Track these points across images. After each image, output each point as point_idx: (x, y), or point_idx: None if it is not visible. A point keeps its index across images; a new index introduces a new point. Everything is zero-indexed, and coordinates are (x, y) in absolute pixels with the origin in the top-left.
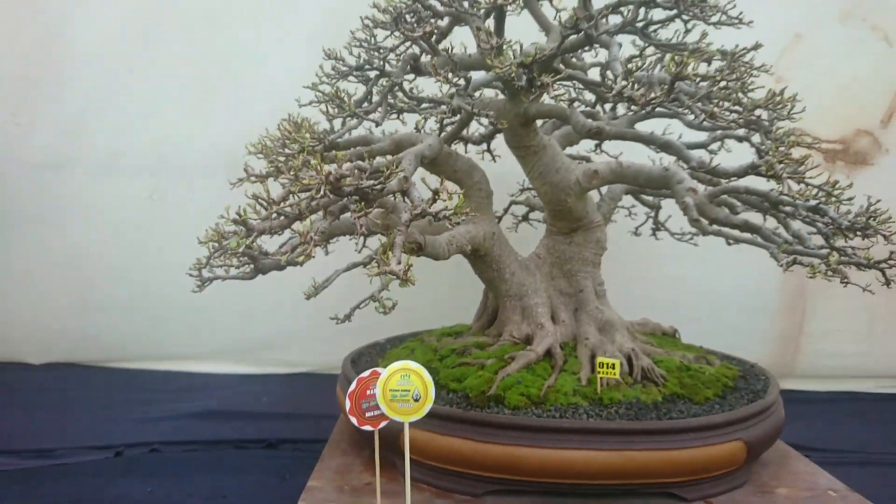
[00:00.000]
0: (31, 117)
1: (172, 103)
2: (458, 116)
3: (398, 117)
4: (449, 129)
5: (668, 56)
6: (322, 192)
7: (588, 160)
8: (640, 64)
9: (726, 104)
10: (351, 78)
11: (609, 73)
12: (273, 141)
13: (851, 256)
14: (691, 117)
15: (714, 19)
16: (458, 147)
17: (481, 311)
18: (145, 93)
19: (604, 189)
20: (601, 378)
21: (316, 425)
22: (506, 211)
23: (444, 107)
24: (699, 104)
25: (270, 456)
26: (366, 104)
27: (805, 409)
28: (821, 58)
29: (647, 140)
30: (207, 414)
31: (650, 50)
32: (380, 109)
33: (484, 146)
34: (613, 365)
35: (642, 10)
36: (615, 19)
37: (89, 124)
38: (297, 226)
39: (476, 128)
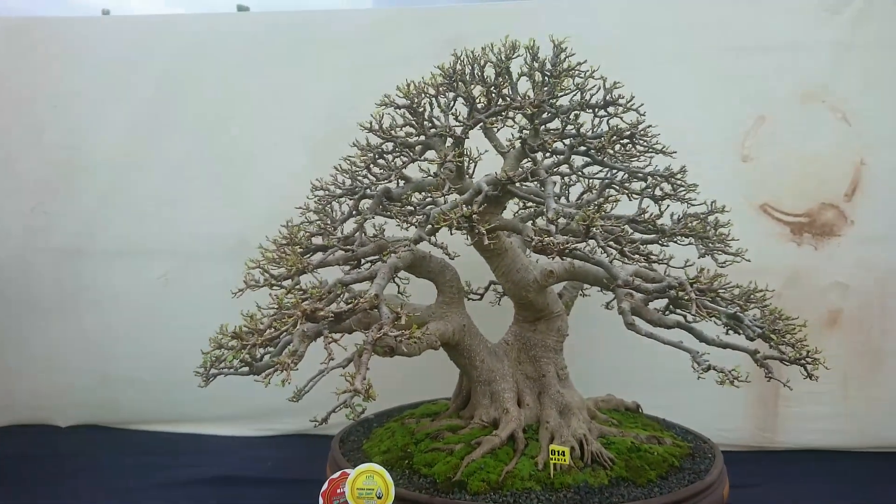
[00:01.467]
0: (53, 208)
1: (181, 195)
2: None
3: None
4: None
5: (577, 215)
6: (297, 325)
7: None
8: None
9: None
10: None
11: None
12: (268, 256)
13: (783, 353)
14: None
15: (642, 148)
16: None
17: (457, 392)
18: (156, 186)
19: None
20: (553, 463)
21: (316, 490)
22: (486, 289)
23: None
24: (612, 243)
25: None
26: (353, 213)
27: (784, 470)
28: (785, 137)
29: (584, 258)
30: (220, 479)
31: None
32: (357, 235)
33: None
34: (564, 452)
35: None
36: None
37: (106, 214)
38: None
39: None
